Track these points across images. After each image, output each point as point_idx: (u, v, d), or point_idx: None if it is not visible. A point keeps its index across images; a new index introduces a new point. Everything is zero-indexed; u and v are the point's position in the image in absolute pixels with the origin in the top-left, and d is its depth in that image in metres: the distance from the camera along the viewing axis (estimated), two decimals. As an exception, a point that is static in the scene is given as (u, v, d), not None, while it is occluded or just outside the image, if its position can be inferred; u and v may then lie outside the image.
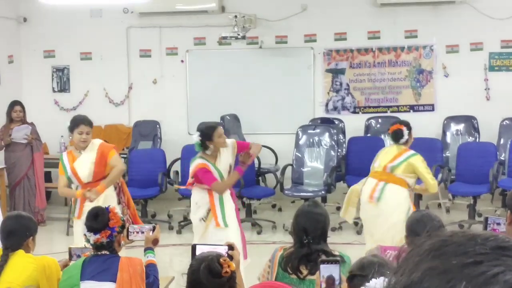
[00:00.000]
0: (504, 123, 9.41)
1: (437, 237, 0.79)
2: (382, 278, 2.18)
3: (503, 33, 9.64)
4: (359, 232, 8.33)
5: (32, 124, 9.05)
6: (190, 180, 5.92)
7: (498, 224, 3.88)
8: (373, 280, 2.19)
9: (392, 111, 9.98)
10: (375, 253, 2.90)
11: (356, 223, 8.59)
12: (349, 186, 8.97)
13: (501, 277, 0.71)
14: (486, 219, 3.95)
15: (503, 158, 8.91)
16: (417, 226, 3.71)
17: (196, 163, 5.78)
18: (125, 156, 9.47)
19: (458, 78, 9.78)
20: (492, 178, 8.24)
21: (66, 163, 5.86)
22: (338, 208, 9.17)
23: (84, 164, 5.82)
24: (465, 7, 9.60)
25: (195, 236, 5.76)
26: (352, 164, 9.04)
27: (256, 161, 9.30)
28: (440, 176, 8.41)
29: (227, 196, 5.84)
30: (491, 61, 9.78)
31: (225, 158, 5.84)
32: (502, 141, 9.28)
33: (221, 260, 2.95)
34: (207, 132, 5.78)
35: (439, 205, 9.11)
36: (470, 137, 9.52)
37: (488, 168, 8.29)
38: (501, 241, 0.77)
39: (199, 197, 5.82)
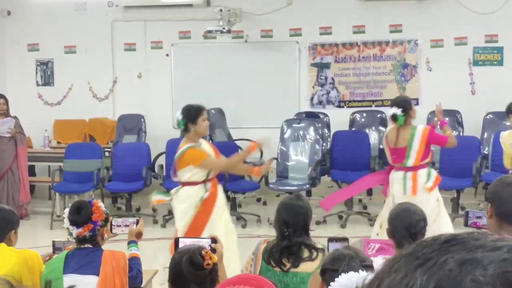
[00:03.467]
0: (488, 117, 9.46)
1: (391, 257, 0.84)
2: (351, 272, 2.17)
3: (487, 27, 9.69)
4: (343, 226, 8.37)
5: (15, 117, 9.00)
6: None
7: (479, 217, 3.90)
8: (342, 275, 2.18)
9: (376, 105, 10.02)
10: (348, 245, 2.90)
11: (340, 217, 8.63)
12: (333, 180, 9.05)
13: (450, 259, 0.74)
14: (467, 213, 3.97)
15: (486, 152, 8.97)
16: (396, 220, 3.73)
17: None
18: (109, 150, 9.45)
19: (442, 72, 9.83)
20: (476, 171, 8.30)
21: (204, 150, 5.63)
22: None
23: (210, 153, 5.68)
24: (450, 1, 9.64)
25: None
26: (337, 158, 9.07)
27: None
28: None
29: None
30: (475, 56, 9.84)
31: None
32: (485, 135, 9.33)
33: (203, 252, 2.96)
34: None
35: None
36: (454, 131, 9.55)
37: (471, 162, 8.35)
38: (445, 237, 0.80)
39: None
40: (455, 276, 0.73)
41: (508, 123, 7.04)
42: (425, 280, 0.74)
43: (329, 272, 2.54)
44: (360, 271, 2.20)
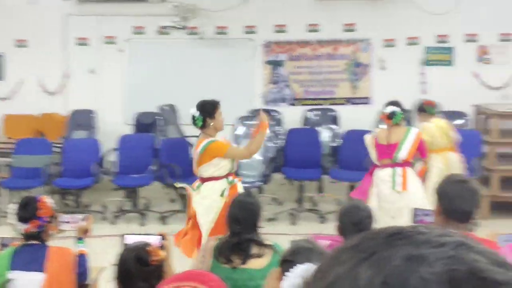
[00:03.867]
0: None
1: (337, 248, 0.83)
2: (308, 264, 2.21)
3: (439, 28, 9.85)
4: (293, 223, 8.41)
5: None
6: (201, 169, 5.61)
7: (426, 215, 3.98)
8: (299, 266, 2.22)
9: (329, 104, 10.09)
10: (307, 239, 2.92)
11: (291, 214, 8.67)
12: (286, 177, 9.08)
13: (396, 255, 0.74)
14: (415, 210, 4.04)
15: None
16: (344, 217, 3.77)
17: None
18: (59, 145, 9.31)
19: (394, 71, 9.96)
20: (425, 170, 8.42)
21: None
22: (275, 199, 9.26)
23: None
24: (402, 2, 9.77)
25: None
26: (290, 155, 9.10)
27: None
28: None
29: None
30: (426, 56, 9.99)
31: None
32: (436, 134, 9.47)
33: (149, 249, 2.95)
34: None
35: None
36: (405, 130, 9.68)
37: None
38: (391, 229, 0.79)
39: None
40: (401, 272, 0.72)
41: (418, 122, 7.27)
42: (371, 275, 0.73)
43: (287, 263, 2.57)
44: (317, 263, 2.22)
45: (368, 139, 6.65)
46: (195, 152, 5.70)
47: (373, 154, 6.52)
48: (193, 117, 5.66)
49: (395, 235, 0.78)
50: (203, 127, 5.65)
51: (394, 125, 6.39)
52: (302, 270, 2.15)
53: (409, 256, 0.73)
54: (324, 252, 2.69)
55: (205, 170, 5.59)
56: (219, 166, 5.57)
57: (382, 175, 6.36)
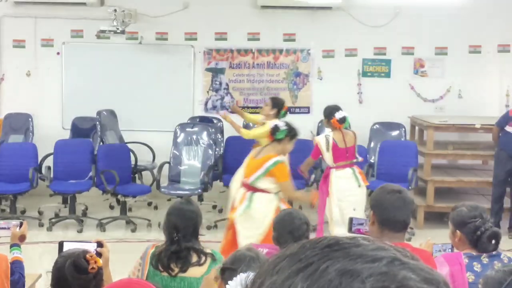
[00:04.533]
0: (375, 127, 9.78)
1: (275, 255, 0.83)
2: (250, 272, 2.22)
3: (376, 40, 10.04)
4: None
5: None
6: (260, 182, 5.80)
7: (361, 224, 4.03)
8: (241, 274, 2.23)
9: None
10: (250, 247, 2.94)
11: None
12: (225, 185, 9.07)
13: (331, 268, 0.75)
14: (351, 220, 4.09)
15: (372, 161, 9.27)
16: (280, 225, 3.80)
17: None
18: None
19: (333, 82, 10.09)
20: (362, 179, 8.55)
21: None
22: (214, 207, 9.25)
23: None
24: (342, 13, 9.92)
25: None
26: (229, 163, 9.10)
27: (132, 158, 9.19)
28: (313, 176, 8.65)
29: None
30: (364, 67, 10.16)
31: None
32: (372, 144, 9.65)
33: (87, 256, 2.90)
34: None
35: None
36: (343, 140, 9.82)
37: (358, 169, 8.59)
38: (328, 240, 0.81)
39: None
40: (334, 287, 0.74)
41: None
42: (306, 287, 0.75)
43: (229, 271, 2.58)
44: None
45: (322, 142, 6.83)
46: (252, 160, 5.99)
47: (329, 157, 6.72)
48: (277, 127, 5.88)
49: (332, 246, 0.79)
50: (277, 141, 5.87)
51: (343, 129, 6.87)
52: (244, 278, 2.16)
53: (344, 270, 0.75)
54: (267, 261, 2.70)
55: (262, 182, 5.81)
56: (275, 184, 5.83)
57: (343, 174, 6.86)
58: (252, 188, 5.83)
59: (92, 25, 9.69)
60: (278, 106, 7.49)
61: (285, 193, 5.94)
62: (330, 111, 7.07)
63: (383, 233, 3.22)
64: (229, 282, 2.21)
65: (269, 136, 6.00)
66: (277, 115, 7.37)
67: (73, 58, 10.08)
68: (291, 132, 5.93)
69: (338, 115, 6.79)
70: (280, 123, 6.05)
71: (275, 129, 5.91)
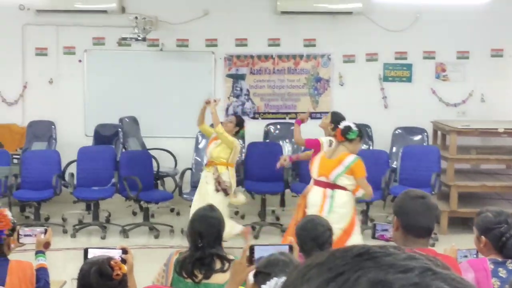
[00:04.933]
0: (397, 132, 9.76)
1: (304, 264, 0.83)
2: (283, 277, 2.23)
3: (397, 45, 10.01)
4: (256, 237, 8.41)
5: None
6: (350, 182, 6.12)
7: (385, 230, 4.02)
8: (274, 278, 2.25)
9: (290, 118, 10.14)
10: (283, 252, 2.94)
11: (253, 228, 8.68)
12: (247, 190, 9.08)
13: (363, 278, 0.75)
14: (374, 225, 4.08)
15: (395, 166, 9.23)
16: (303, 232, 3.80)
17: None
18: (18, 157, 9.17)
19: (354, 87, 10.07)
20: (384, 185, 8.52)
21: None
22: (236, 213, 9.26)
23: None
24: (362, 18, 9.90)
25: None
26: (251, 169, 9.12)
27: (154, 164, 9.23)
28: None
29: None
30: (385, 72, 10.13)
31: None
32: (394, 149, 9.61)
33: (112, 262, 2.92)
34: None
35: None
36: (364, 145, 9.80)
37: (380, 175, 8.56)
38: (358, 249, 0.80)
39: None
40: None
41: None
42: None
43: (262, 275, 2.59)
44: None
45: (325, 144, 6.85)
46: (326, 160, 6.17)
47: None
48: (349, 128, 6.10)
49: (362, 255, 0.79)
50: (349, 141, 6.12)
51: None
52: (278, 283, 2.17)
53: (375, 281, 0.74)
54: (299, 265, 2.71)
55: (342, 179, 6.10)
56: (354, 182, 6.15)
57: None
58: (332, 186, 6.14)
59: (114, 32, 9.77)
60: (240, 125, 7.65)
61: (363, 188, 6.20)
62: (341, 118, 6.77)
63: (407, 239, 3.20)
64: (262, 286, 2.23)
65: (339, 136, 6.16)
66: (237, 133, 7.64)
67: (95, 66, 10.16)
68: (361, 133, 6.22)
69: (345, 123, 6.31)
70: (351, 124, 6.21)
71: (347, 129, 6.11)
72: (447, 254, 3.76)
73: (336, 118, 6.80)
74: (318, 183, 6.26)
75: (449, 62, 10.06)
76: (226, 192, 7.37)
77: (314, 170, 6.30)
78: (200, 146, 9.20)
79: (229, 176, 7.44)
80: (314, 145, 6.71)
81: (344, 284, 0.75)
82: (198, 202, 7.13)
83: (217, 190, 7.32)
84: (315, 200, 6.19)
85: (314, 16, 9.95)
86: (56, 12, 9.96)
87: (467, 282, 0.78)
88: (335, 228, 5.71)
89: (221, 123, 7.54)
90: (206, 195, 7.27)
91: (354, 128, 6.13)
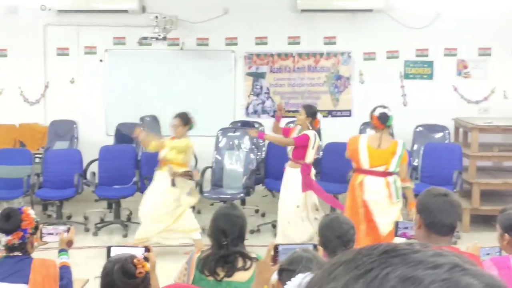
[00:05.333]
0: (418, 129, 9.70)
1: (329, 262, 0.83)
2: (308, 273, 2.23)
3: (418, 42, 9.95)
4: (276, 235, 8.39)
5: None
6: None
7: (407, 228, 4.00)
8: (299, 275, 2.25)
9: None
10: (306, 248, 2.94)
11: (274, 226, 8.67)
12: (268, 189, 9.09)
13: (392, 274, 0.75)
14: (397, 223, 4.06)
15: (416, 164, 9.18)
16: (327, 231, 3.78)
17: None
18: (40, 156, 9.25)
19: (374, 84, 10.03)
20: (405, 182, 8.46)
21: None
22: (257, 211, 9.26)
23: None
24: (382, 16, 9.86)
25: None
26: (271, 167, 9.12)
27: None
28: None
29: None
30: (406, 69, 10.08)
31: None
32: (415, 147, 9.56)
33: (135, 260, 2.93)
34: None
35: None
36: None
37: (402, 172, 8.50)
38: (384, 246, 0.80)
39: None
40: None
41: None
42: None
43: (286, 272, 2.59)
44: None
45: (312, 138, 7.25)
46: (376, 150, 6.29)
47: (311, 154, 7.20)
48: (386, 114, 6.28)
49: (390, 252, 0.78)
50: (389, 127, 6.43)
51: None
52: (303, 279, 2.17)
53: (405, 277, 0.74)
54: (323, 262, 2.71)
55: (395, 166, 6.31)
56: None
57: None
58: (389, 174, 6.31)
59: (134, 32, 9.81)
60: (187, 121, 7.62)
61: (402, 173, 6.38)
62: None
63: (429, 237, 3.19)
64: (287, 283, 2.23)
65: (379, 125, 6.31)
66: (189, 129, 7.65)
67: (116, 65, 10.22)
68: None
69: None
70: (383, 109, 6.34)
71: (385, 117, 6.29)
72: (469, 252, 3.74)
73: (310, 110, 7.05)
74: (372, 172, 6.37)
75: (470, 59, 9.98)
76: (190, 176, 7.43)
77: (365, 161, 6.36)
78: (221, 145, 9.21)
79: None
80: (303, 141, 7.11)
81: (373, 281, 0.75)
82: (147, 201, 7.44)
83: (173, 185, 7.31)
84: (377, 188, 6.34)
85: (334, 14, 9.93)
86: (77, 12, 10.03)
87: (496, 277, 0.77)
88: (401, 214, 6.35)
89: (172, 126, 7.62)
90: (156, 193, 7.43)
91: (389, 113, 6.33)
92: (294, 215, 7.19)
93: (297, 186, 7.20)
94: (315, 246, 3.14)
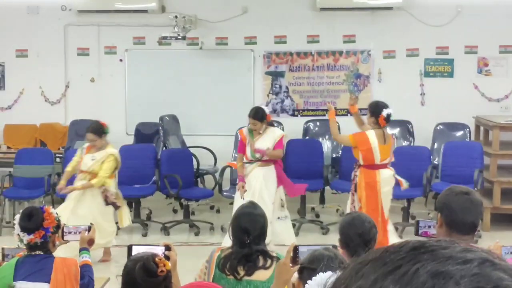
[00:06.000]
0: (438, 128, 9.64)
1: (355, 261, 0.82)
2: (329, 272, 2.22)
3: (438, 40, 9.89)
4: (296, 234, 8.39)
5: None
6: None
7: (429, 227, 3.97)
8: (320, 274, 2.24)
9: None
10: (327, 247, 2.94)
11: (293, 225, 8.66)
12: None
13: (422, 270, 0.74)
14: (418, 222, 4.03)
15: (436, 162, 9.13)
16: (349, 229, 3.76)
17: None
18: (60, 155, 9.31)
19: (394, 83, 9.98)
20: (426, 181, 8.43)
21: None
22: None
23: None
24: (402, 13, 9.81)
25: None
26: (291, 166, 9.09)
27: (194, 162, 9.29)
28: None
29: None
30: (426, 67, 10.02)
31: None
32: (436, 145, 9.51)
33: (156, 259, 2.94)
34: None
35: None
36: (405, 141, 9.72)
37: (422, 171, 8.48)
38: (412, 243, 0.80)
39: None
40: None
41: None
42: None
43: (307, 270, 2.58)
44: (338, 272, 2.24)
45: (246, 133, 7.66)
46: (384, 146, 6.80)
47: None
48: (390, 114, 6.85)
49: (418, 249, 0.78)
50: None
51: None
52: (324, 278, 2.16)
53: (436, 272, 0.74)
54: (344, 261, 2.71)
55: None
56: None
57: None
58: (386, 166, 6.94)
59: (154, 32, 9.85)
60: (99, 132, 7.36)
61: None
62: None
63: (451, 236, 3.17)
64: (308, 281, 2.21)
65: (384, 123, 6.86)
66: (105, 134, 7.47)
67: (136, 65, 10.26)
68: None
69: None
70: (390, 110, 6.86)
71: (389, 116, 6.85)
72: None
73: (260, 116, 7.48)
74: (382, 166, 6.92)
75: (491, 56, 9.90)
76: (115, 205, 7.25)
77: (378, 158, 6.85)
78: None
79: (115, 185, 7.39)
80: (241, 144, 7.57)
81: (403, 277, 0.74)
82: (66, 207, 7.09)
83: (107, 204, 7.20)
84: (389, 180, 6.95)
85: (353, 12, 9.89)
86: (97, 13, 10.08)
87: None
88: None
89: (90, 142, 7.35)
90: (78, 201, 7.15)
91: (391, 112, 6.89)
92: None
93: (273, 184, 7.40)
94: (335, 247, 3.13)
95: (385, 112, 6.81)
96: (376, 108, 6.98)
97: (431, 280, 0.73)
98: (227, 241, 6.64)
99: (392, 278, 0.75)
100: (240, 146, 7.67)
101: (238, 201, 6.90)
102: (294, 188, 7.84)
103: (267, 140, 7.39)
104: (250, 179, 7.39)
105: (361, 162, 6.89)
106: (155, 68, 10.22)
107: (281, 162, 7.57)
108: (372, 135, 6.84)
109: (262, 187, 7.36)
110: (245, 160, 7.48)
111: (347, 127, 9.79)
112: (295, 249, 2.96)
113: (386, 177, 6.92)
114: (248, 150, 7.43)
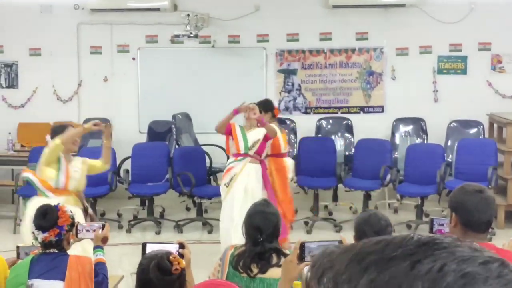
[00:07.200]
0: (452, 125, 9.60)
1: (354, 250, 0.79)
2: None
3: (451, 37, 9.84)
4: (309, 232, 8.40)
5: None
6: None
7: (442, 225, 3.96)
8: None
9: (342, 112, 10.09)
10: (339, 244, 2.92)
11: (306, 223, 8.66)
12: (300, 186, 9.07)
13: (447, 268, 0.73)
14: (432, 220, 4.01)
15: (450, 160, 9.09)
16: (365, 226, 3.74)
17: None
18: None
19: (407, 80, 9.95)
20: (439, 179, 8.39)
21: None
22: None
23: None
24: (415, 10, 9.77)
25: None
26: (303, 164, 9.09)
27: (207, 160, 9.30)
28: (388, 176, 8.55)
29: None
30: (439, 64, 9.97)
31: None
32: (449, 143, 9.46)
33: (170, 257, 2.94)
34: None
35: (388, 205, 9.24)
36: (419, 139, 9.69)
37: (435, 169, 8.44)
38: (418, 237, 0.79)
39: None
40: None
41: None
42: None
43: None
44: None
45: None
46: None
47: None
48: None
49: (432, 245, 0.77)
50: None
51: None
52: None
53: (461, 272, 0.73)
54: (344, 250, 2.69)
55: None
56: None
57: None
58: None
59: (166, 30, 9.86)
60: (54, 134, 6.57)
61: None
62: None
63: (466, 234, 3.15)
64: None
65: (277, 112, 7.55)
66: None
67: (148, 63, 10.28)
68: None
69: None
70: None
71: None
72: (506, 249, 3.69)
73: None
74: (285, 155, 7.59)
75: (505, 53, 9.84)
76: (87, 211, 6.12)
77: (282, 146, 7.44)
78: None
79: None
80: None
81: (428, 273, 0.73)
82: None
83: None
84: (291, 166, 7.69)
85: (366, 9, 9.86)
86: (109, 11, 10.11)
87: None
88: None
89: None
90: None
91: None
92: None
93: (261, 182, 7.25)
94: (340, 242, 3.11)
95: (276, 105, 7.20)
96: (268, 105, 7.58)
97: (460, 280, 0.72)
98: (228, 235, 6.67)
99: (415, 275, 0.73)
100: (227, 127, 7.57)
101: (223, 192, 7.24)
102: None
103: (260, 133, 7.29)
104: (242, 175, 7.25)
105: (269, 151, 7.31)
106: (168, 66, 10.23)
107: (265, 165, 7.30)
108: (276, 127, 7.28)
109: (254, 184, 7.23)
110: (233, 159, 7.27)
111: (360, 124, 9.81)
112: (302, 246, 2.94)
113: (289, 164, 7.56)
114: (241, 143, 7.33)
